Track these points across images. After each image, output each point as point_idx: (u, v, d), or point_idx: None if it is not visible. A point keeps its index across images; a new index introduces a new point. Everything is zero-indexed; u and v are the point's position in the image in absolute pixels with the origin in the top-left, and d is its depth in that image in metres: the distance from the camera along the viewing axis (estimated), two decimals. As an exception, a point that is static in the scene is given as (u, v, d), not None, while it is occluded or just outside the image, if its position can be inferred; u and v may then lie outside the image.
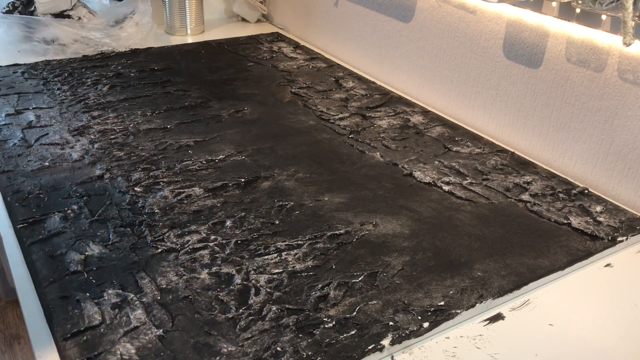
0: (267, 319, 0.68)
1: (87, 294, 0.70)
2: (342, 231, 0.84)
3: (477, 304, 0.72)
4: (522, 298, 0.75)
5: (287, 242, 0.81)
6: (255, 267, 0.76)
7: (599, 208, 0.92)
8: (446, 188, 0.96)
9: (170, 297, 0.71)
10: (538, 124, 1.08)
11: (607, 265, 0.82)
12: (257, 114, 1.21)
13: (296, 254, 0.79)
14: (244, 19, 1.91)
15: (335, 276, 0.75)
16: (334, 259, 0.79)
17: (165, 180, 0.95)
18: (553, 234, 0.86)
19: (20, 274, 0.75)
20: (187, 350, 0.64)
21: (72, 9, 1.56)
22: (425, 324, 0.68)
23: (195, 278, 0.74)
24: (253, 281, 0.74)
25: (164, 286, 0.72)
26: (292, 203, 0.90)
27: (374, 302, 0.71)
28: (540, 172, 1.02)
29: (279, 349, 0.64)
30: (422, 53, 1.31)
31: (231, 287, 0.73)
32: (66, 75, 1.35)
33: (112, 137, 1.08)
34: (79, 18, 1.56)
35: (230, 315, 0.68)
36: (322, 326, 0.67)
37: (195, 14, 1.74)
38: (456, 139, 1.13)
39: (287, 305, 0.70)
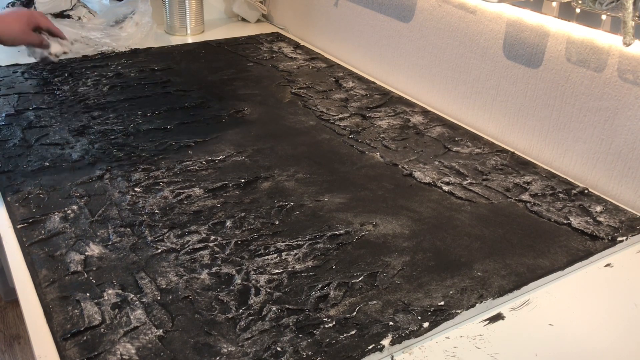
0: (267, 319, 0.68)
1: (87, 294, 0.70)
2: (342, 231, 0.84)
3: (477, 304, 0.72)
4: (522, 298, 0.75)
5: (287, 243, 0.81)
6: (255, 268, 0.76)
7: (599, 208, 0.92)
8: (446, 188, 0.96)
9: (170, 297, 0.71)
10: (538, 124, 1.08)
11: (607, 265, 0.82)
12: (257, 114, 1.21)
13: (296, 254, 0.79)
14: (244, 19, 1.91)
15: (335, 276, 0.75)
16: (334, 259, 0.79)
17: (165, 180, 0.95)
18: (553, 234, 0.86)
19: (20, 274, 0.75)
20: (187, 350, 0.64)
21: (72, 9, 1.56)
22: (425, 324, 0.68)
23: (195, 278, 0.74)
24: (253, 281, 0.74)
25: (164, 286, 0.72)
26: (292, 203, 0.90)
27: (374, 302, 0.71)
28: (540, 172, 1.02)
29: (279, 349, 0.64)
30: (422, 53, 1.31)
31: (231, 287, 0.73)
32: (66, 75, 1.35)
33: (112, 137, 1.08)
34: (79, 18, 1.56)
35: (230, 316, 0.68)
36: (322, 326, 0.67)
37: (195, 14, 1.74)
38: (456, 139, 1.13)
39: (287, 306, 0.70)
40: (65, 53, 1.24)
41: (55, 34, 1.22)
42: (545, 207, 0.91)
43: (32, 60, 1.42)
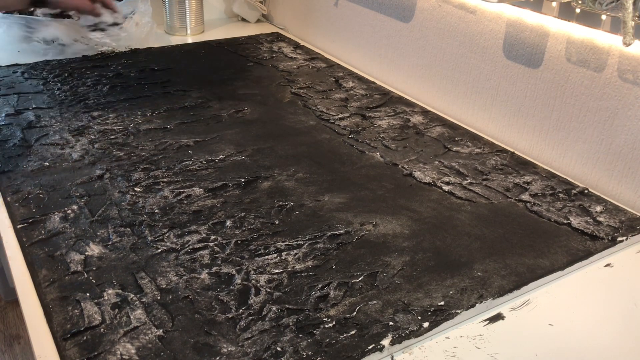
0: (267, 319, 0.68)
1: (87, 294, 0.70)
2: (342, 231, 0.84)
3: (477, 304, 0.72)
4: (522, 298, 0.75)
5: (287, 242, 0.81)
6: (255, 267, 0.76)
7: (599, 208, 0.92)
8: (446, 188, 0.96)
9: (170, 297, 0.71)
10: (538, 124, 1.08)
11: (607, 265, 0.82)
12: (257, 114, 1.21)
13: (296, 254, 0.79)
14: (244, 19, 1.91)
15: (335, 276, 0.75)
16: (334, 259, 0.79)
17: (165, 180, 0.95)
18: (553, 234, 0.86)
19: (20, 274, 0.75)
20: (187, 350, 0.64)
21: (72, 9, 1.56)
22: (425, 324, 0.68)
23: (195, 278, 0.74)
24: (253, 281, 0.74)
25: (164, 286, 0.72)
26: (292, 203, 0.90)
27: (374, 302, 0.71)
28: (540, 172, 1.02)
29: (279, 349, 0.64)
30: (422, 53, 1.31)
31: (231, 287, 0.73)
32: (66, 75, 1.35)
33: (112, 137, 1.08)
34: (79, 18, 1.55)
35: (230, 315, 0.68)
36: (322, 326, 0.67)
37: (195, 14, 1.74)
38: (456, 139, 1.13)
39: (287, 305, 0.70)
40: (115, 24, 1.40)
41: (109, 7, 1.39)
42: (545, 207, 0.91)
43: (31, 60, 1.43)
